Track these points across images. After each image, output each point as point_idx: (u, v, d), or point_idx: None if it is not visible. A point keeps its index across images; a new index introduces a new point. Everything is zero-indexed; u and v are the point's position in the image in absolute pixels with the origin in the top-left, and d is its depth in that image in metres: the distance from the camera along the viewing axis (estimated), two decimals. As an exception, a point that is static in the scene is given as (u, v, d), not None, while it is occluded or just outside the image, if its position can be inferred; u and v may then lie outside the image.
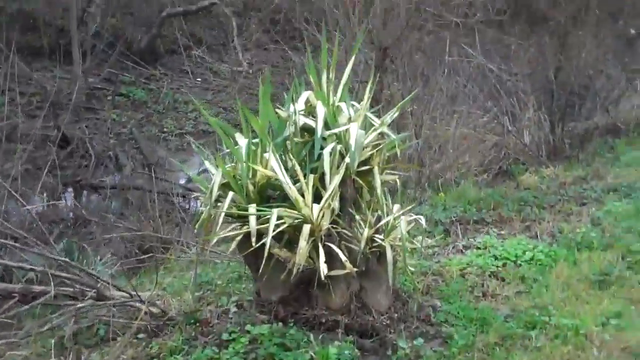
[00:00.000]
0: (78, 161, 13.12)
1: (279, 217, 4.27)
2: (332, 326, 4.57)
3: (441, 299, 5.32)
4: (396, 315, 4.80)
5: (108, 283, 5.28)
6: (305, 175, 4.37)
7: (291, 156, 4.56)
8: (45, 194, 11.84)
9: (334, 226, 4.45)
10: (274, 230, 4.20)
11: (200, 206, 4.55)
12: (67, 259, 5.48)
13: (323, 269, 4.19)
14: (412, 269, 5.28)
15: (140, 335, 4.72)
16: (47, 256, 5.61)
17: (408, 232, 4.79)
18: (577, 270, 5.83)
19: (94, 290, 5.07)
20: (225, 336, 4.51)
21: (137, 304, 4.98)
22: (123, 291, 5.24)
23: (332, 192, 4.36)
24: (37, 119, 12.86)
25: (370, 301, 4.71)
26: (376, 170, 4.66)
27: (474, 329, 4.81)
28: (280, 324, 4.58)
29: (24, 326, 4.90)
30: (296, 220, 4.31)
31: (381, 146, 4.71)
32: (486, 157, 10.41)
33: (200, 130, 15.13)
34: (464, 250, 6.50)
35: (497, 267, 5.99)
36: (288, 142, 4.61)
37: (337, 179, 4.36)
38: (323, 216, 4.36)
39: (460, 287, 5.52)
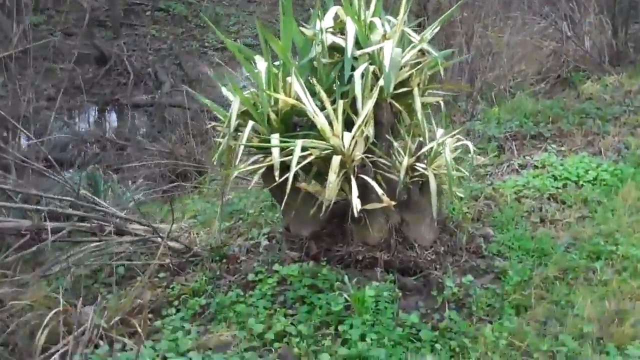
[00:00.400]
0: (116, 79, 12.72)
1: (305, 149, 3.78)
2: (369, 264, 4.13)
3: (494, 227, 4.82)
4: (442, 249, 4.32)
5: (126, 219, 4.89)
6: (334, 101, 3.85)
7: (315, 80, 4.03)
8: (83, 114, 11.58)
9: (369, 155, 3.94)
10: (299, 163, 3.72)
11: (220, 136, 4.07)
12: (83, 191, 5.07)
13: (356, 204, 3.71)
14: (461, 196, 4.76)
15: (162, 274, 4.35)
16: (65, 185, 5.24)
17: (455, 158, 4.25)
18: (647, 191, 5.24)
19: (112, 225, 4.69)
20: (251, 276, 4.10)
21: (159, 239, 4.57)
22: (145, 225, 4.85)
23: (365, 118, 3.83)
24: (75, 37, 12.47)
25: (413, 235, 4.23)
26: (416, 91, 4.10)
27: (530, 261, 4.31)
28: (312, 262, 4.15)
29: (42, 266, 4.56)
30: (324, 152, 3.81)
31: (421, 65, 4.13)
32: (544, 65, 9.63)
33: (243, 43, 14.51)
34: (519, 170, 5.94)
35: (557, 188, 5.43)
36: (315, 63, 4.06)
37: (370, 103, 3.83)
38: (355, 145, 3.86)
39: (515, 213, 5.00)
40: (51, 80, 11.54)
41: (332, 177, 3.74)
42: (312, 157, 3.78)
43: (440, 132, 4.23)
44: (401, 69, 4.06)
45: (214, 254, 4.51)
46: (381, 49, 3.93)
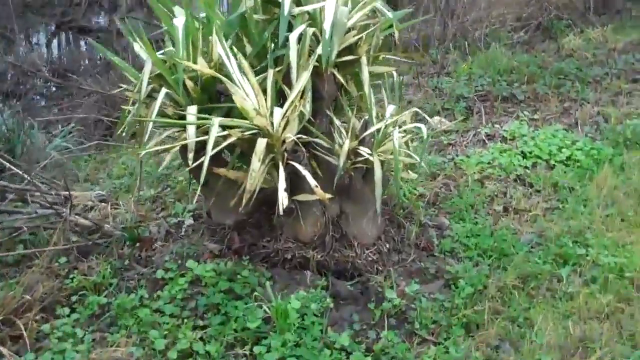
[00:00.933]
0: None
1: (225, 127, 3.12)
2: (300, 264, 3.53)
3: (450, 215, 4.23)
4: (387, 246, 3.73)
5: (32, 183, 4.21)
6: (259, 69, 3.18)
7: (246, 41, 3.36)
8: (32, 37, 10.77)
9: (303, 137, 3.30)
10: (217, 144, 3.08)
11: (129, 103, 3.38)
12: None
13: (282, 197, 3.08)
14: (413, 178, 4.13)
15: (62, 260, 3.71)
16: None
17: (408, 137, 3.62)
18: (625, 178, 4.64)
19: (14, 192, 4.04)
20: (160, 273, 3.48)
21: (65, 213, 3.91)
22: (53, 192, 4.18)
23: (299, 91, 3.18)
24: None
25: (353, 230, 3.62)
26: (364, 60, 3.44)
27: (487, 263, 3.73)
28: (234, 258, 3.54)
29: None
30: (248, 132, 3.15)
31: (372, 28, 3.45)
32: (524, 10, 8.92)
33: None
34: (486, 141, 5.32)
35: (525, 168, 4.83)
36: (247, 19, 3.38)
37: (307, 74, 3.17)
38: (287, 125, 3.20)
39: (476, 198, 4.41)
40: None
41: (256, 165, 3.11)
42: (232, 139, 3.12)
43: (390, 108, 3.57)
44: (348, 32, 3.39)
45: (126, 235, 3.87)
46: (323, 7, 3.24)
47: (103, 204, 4.31)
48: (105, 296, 3.40)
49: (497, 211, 4.33)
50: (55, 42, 11.14)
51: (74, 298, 3.41)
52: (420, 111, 4.00)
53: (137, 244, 3.83)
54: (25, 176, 4.29)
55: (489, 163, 4.83)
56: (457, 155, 5.04)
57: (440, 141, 5.37)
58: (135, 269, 3.63)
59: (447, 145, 5.29)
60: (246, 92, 3.13)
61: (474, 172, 4.71)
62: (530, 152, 4.95)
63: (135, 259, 3.71)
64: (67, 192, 4.11)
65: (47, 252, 3.63)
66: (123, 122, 3.40)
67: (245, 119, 3.10)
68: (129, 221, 4.01)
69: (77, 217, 3.89)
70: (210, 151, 3.01)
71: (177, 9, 3.37)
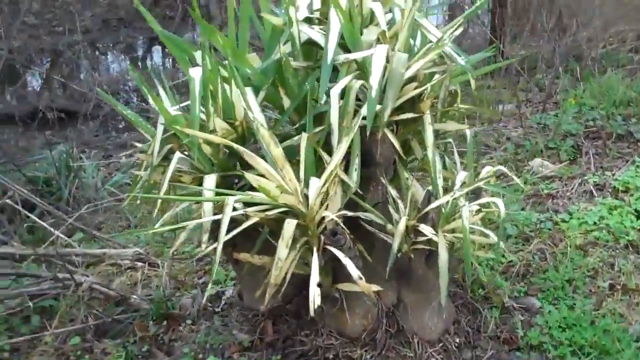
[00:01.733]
0: (163, 12, 11.45)
1: (247, 204, 2.52)
2: (345, 365, 2.88)
3: (542, 294, 3.48)
4: (457, 340, 3.03)
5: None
6: (299, 127, 2.58)
7: (284, 92, 2.75)
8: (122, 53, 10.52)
9: (347, 214, 2.65)
10: (234, 227, 2.48)
11: (142, 167, 2.83)
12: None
13: (314, 295, 2.45)
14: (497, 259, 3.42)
15: (76, 340, 3.20)
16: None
17: (483, 214, 2.91)
18: None
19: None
20: (175, 374, 2.91)
21: (85, 280, 3.41)
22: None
23: (339, 160, 2.53)
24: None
25: (412, 324, 2.95)
26: (427, 117, 2.76)
27: (583, 365, 2.97)
28: (266, 352, 2.92)
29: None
30: (274, 211, 2.53)
31: (439, 77, 2.78)
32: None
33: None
34: (594, 193, 4.50)
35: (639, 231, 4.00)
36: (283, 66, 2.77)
37: (348, 138, 2.52)
38: (325, 200, 2.57)
39: (576, 271, 3.63)
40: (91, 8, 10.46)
41: (283, 252, 2.49)
42: (253, 220, 2.50)
43: (461, 176, 2.88)
44: (407, 83, 2.73)
45: (154, 309, 3.33)
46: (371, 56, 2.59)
47: (140, 263, 3.79)
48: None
49: (602, 289, 3.54)
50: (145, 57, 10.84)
51: (80, 392, 2.89)
52: (505, 170, 3.28)
53: (165, 322, 3.27)
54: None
55: (595, 224, 4.04)
56: (557, 212, 4.25)
57: (539, 190, 4.60)
58: (155, 356, 3.08)
59: (547, 196, 4.52)
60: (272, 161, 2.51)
61: (577, 235, 3.93)
62: (647, 210, 4.12)
63: (157, 343, 3.16)
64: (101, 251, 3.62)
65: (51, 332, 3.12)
66: (134, 188, 2.84)
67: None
68: (160, 290, 3.47)
69: (97, 285, 3.35)
70: (223, 236, 2.41)
71: (199, 55, 2.78)
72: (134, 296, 3.42)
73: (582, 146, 5.20)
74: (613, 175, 4.65)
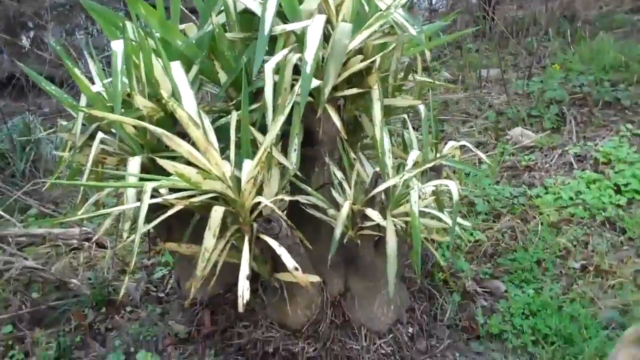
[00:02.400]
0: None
1: (175, 190, 2.31)
2: (286, 359, 2.68)
3: (510, 276, 3.28)
4: (411, 330, 2.82)
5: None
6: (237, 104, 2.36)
7: (219, 66, 2.53)
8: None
9: (281, 198, 2.44)
10: (157, 217, 2.27)
11: (65, 147, 2.61)
12: None
13: (243, 289, 2.24)
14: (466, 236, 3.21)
15: (8, 329, 3.01)
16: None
17: (436, 196, 2.70)
18: None
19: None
20: (106, 367, 2.72)
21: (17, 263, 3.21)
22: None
23: (271, 141, 2.31)
24: None
25: (360, 315, 2.75)
26: (375, 93, 2.53)
27: (546, 357, 2.77)
28: (203, 344, 2.73)
29: None
30: (202, 197, 2.31)
31: (389, 49, 2.55)
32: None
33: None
34: (574, 164, 4.27)
35: (618, 206, 3.78)
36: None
37: (280, 119, 2.29)
38: (257, 184, 2.35)
39: (547, 250, 3.42)
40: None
41: (210, 242, 2.29)
42: (178, 207, 2.29)
43: (413, 155, 2.66)
44: (354, 56, 2.49)
45: (94, 295, 3.13)
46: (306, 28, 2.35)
47: (87, 243, 3.59)
48: (40, 389, 2.67)
49: (572, 271, 3.33)
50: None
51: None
52: (470, 145, 3.05)
53: (103, 309, 3.08)
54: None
55: (571, 199, 3.83)
56: (533, 185, 4.03)
57: (517, 162, 4.37)
58: (89, 347, 2.89)
59: (525, 168, 4.29)
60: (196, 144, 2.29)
61: (550, 212, 3.71)
62: (626, 185, 3.89)
63: (93, 332, 2.97)
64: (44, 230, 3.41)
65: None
66: (57, 171, 2.62)
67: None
68: (103, 274, 3.27)
69: (34, 268, 3.15)
70: (142, 226, 2.21)
71: (128, 24, 2.54)
72: (74, 280, 3.23)
73: (566, 114, 4.95)
74: (595, 145, 4.41)
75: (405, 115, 2.83)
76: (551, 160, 4.34)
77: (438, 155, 2.92)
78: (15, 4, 9.21)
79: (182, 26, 2.69)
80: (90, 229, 3.69)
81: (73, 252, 3.53)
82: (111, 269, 3.32)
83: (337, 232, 2.48)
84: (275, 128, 2.30)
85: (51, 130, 3.09)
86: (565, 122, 4.88)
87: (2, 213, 3.56)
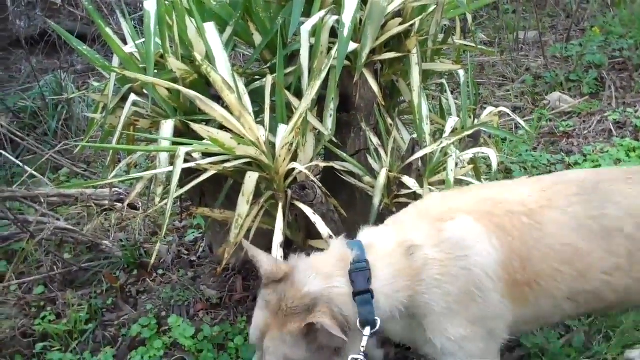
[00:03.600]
0: None
1: (208, 154, 2.27)
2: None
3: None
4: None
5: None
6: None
7: (254, 28, 2.47)
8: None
9: (316, 164, 2.40)
10: (188, 182, 2.24)
11: (97, 108, 2.58)
12: None
13: (276, 256, 2.21)
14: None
15: (39, 290, 3.01)
16: None
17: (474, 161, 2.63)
18: None
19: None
20: (135, 329, 2.70)
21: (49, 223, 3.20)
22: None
23: (307, 105, 2.26)
24: None
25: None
26: (414, 57, 2.46)
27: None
28: (235, 311, 2.71)
29: None
30: (235, 163, 2.27)
31: (428, 12, 2.47)
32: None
33: None
34: (613, 131, 4.17)
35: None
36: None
37: (317, 83, 2.24)
38: (291, 150, 2.31)
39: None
40: None
41: (243, 208, 2.25)
42: (211, 173, 2.25)
43: (452, 122, 2.59)
44: (392, 19, 2.42)
45: (125, 257, 3.12)
46: (346, -12, 2.29)
47: (119, 204, 3.57)
48: (71, 351, 2.67)
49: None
50: None
51: (38, 347, 2.70)
52: (508, 111, 2.97)
53: (135, 271, 3.07)
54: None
55: (609, 167, 3.72)
56: (571, 153, 3.94)
57: (555, 127, 4.27)
58: (121, 309, 2.87)
59: (562, 134, 4.19)
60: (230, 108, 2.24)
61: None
62: (666, 153, 3.79)
63: (125, 295, 2.96)
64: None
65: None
66: (88, 133, 2.59)
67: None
68: (135, 236, 3.25)
69: (66, 229, 3.14)
70: (174, 191, 2.17)
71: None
72: (106, 242, 3.22)
73: (605, 79, 4.83)
74: (636, 112, 4.30)
75: (444, 80, 2.75)
76: (590, 127, 4.24)
77: (476, 121, 2.85)
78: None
79: (218, -13, 2.62)
80: (121, 189, 3.67)
81: (105, 212, 3.51)
82: (143, 231, 3.29)
83: (376, 200, 2.44)
84: (311, 93, 2.25)
85: (84, 90, 3.04)
86: (604, 88, 4.76)
87: (34, 172, 3.54)
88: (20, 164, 3.64)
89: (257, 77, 2.59)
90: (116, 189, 3.63)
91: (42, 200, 3.26)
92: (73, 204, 3.49)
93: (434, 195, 2.11)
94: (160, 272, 3.07)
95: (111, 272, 3.07)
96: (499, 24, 6.08)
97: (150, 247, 3.21)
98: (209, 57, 2.32)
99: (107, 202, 3.56)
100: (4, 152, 3.72)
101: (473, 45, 2.75)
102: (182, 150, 2.15)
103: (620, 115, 4.28)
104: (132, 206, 3.57)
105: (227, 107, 2.25)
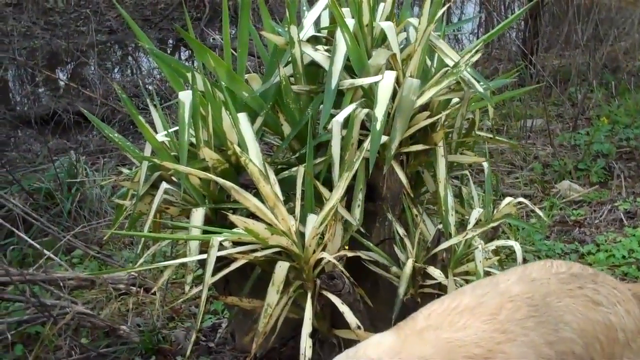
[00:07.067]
0: (190, 12, 11.18)
1: (238, 243, 2.29)
2: None
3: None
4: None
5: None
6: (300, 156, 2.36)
7: (283, 118, 2.52)
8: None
9: (347, 254, 2.42)
10: (220, 268, 2.25)
11: (126, 195, 2.61)
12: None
13: (305, 348, 2.21)
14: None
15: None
16: None
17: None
18: None
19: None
20: None
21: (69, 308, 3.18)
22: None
23: (338, 198, 2.29)
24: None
25: (418, 374, 2.67)
26: (440, 150, 2.51)
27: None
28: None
29: None
30: (265, 252, 2.29)
31: (454, 106, 2.54)
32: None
33: None
34: (624, 221, 4.21)
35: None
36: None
37: (348, 175, 2.28)
38: (321, 242, 2.33)
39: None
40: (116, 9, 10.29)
41: (273, 297, 2.27)
42: (242, 262, 2.27)
43: (476, 214, 2.62)
44: (421, 111, 2.49)
45: (143, 342, 3.10)
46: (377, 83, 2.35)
47: (135, 288, 3.57)
48: None
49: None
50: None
51: None
52: (527, 202, 3.01)
53: (154, 357, 3.05)
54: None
55: (623, 257, 3.75)
56: (584, 242, 3.97)
57: (566, 216, 4.31)
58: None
59: (574, 223, 4.23)
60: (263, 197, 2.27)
61: (604, 270, 3.64)
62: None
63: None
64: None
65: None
66: (117, 220, 2.62)
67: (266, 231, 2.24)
68: (152, 320, 3.24)
69: (85, 313, 3.13)
70: (208, 280, 2.19)
71: (198, 76, 2.53)
72: (124, 327, 3.20)
73: (613, 168, 4.89)
74: (647, 200, 4.35)
75: (468, 172, 2.80)
76: (601, 216, 4.27)
77: (495, 211, 2.88)
78: (61, 41, 9.34)
79: (245, 76, 2.68)
80: (135, 272, 3.67)
81: (121, 296, 3.50)
82: (160, 316, 3.29)
83: (401, 290, 2.45)
84: (342, 185, 2.29)
85: (110, 179, 3.09)
86: (612, 176, 4.82)
87: (52, 255, 3.55)
88: (37, 245, 3.64)
89: (283, 166, 2.63)
90: (132, 273, 3.63)
91: (62, 284, 3.25)
92: (88, 287, 3.48)
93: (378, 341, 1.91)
94: (179, 358, 3.05)
95: (129, 358, 3.05)
96: (504, 112, 6.19)
97: (167, 333, 3.19)
98: (242, 147, 2.37)
99: (122, 285, 3.56)
100: (18, 232, 3.72)
101: (501, 140, 2.80)
102: (216, 240, 2.17)
103: (630, 204, 4.33)
104: (147, 290, 3.56)
105: (257, 196, 2.29)
